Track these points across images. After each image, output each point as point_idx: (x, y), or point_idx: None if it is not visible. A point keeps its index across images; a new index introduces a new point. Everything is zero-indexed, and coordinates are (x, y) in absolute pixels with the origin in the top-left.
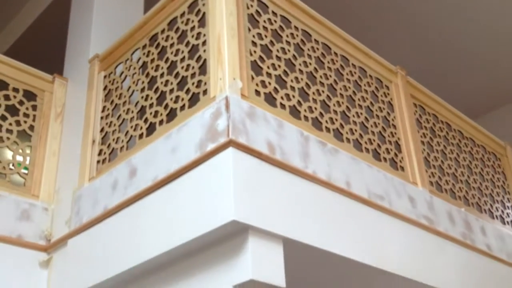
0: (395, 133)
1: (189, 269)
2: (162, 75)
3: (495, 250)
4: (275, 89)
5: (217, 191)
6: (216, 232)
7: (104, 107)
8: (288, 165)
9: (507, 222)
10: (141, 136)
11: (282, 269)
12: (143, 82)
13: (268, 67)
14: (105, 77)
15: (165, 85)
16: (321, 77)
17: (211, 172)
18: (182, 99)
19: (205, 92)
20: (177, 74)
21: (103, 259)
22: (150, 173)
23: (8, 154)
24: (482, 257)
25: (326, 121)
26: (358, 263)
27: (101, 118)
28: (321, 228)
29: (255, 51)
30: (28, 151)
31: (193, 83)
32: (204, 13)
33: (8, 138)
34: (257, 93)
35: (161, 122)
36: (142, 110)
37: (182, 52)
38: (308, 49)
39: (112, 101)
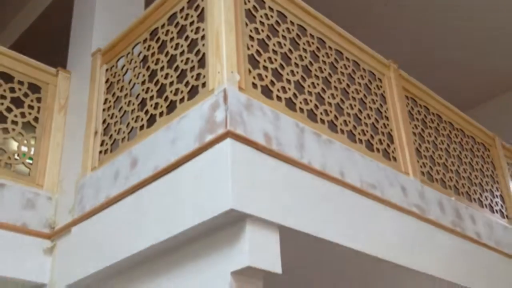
0: (388, 124)
1: (188, 257)
2: (162, 68)
3: (484, 238)
4: (272, 82)
5: (215, 181)
6: (215, 220)
7: (106, 99)
8: (284, 155)
9: (496, 211)
10: (142, 127)
11: (278, 256)
12: (143, 75)
13: (264, 61)
14: (107, 70)
15: (165, 78)
16: (316, 70)
17: (209, 162)
18: (182, 92)
19: (204, 85)
20: (176, 68)
21: (105, 246)
22: (150, 163)
23: (14, 145)
24: (472, 244)
25: (321, 113)
26: (351, 250)
27: (103, 110)
28: (316, 216)
29: (252, 45)
30: (32, 142)
31: (192, 76)
32: (203, 8)
33: (13, 129)
34: (254, 85)
35: (161, 114)
36: (142, 102)
37: (182, 46)
38: (304, 43)
39: (114, 94)
